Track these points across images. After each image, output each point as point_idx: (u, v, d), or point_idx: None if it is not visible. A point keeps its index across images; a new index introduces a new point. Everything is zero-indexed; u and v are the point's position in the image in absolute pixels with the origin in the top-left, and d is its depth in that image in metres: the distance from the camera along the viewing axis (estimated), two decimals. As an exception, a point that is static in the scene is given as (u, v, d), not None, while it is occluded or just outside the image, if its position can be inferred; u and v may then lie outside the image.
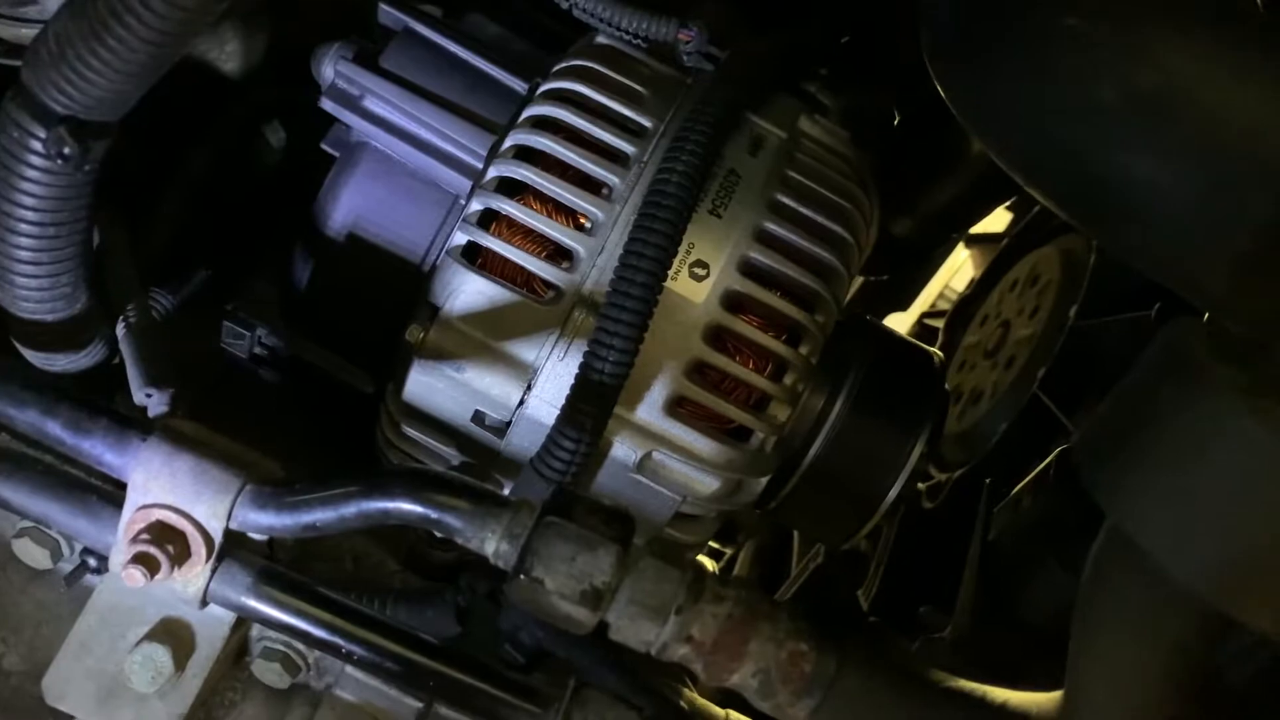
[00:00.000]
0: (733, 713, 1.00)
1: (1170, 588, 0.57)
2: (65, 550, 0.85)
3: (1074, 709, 0.68)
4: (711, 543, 1.89)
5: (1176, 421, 0.55)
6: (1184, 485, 0.55)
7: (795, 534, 1.66)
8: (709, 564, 1.86)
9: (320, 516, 0.75)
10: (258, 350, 1.04)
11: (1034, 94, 0.68)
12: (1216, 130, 0.60)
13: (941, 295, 2.15)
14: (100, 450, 0.76)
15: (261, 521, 0.76)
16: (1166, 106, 0.62)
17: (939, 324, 1.73)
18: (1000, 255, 1.60)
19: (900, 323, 1.94)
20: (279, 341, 1.03)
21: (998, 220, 1.78)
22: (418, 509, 0.74)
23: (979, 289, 1.63)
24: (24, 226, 0.75)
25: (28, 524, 0.83)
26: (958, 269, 2.10)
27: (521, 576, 0.73)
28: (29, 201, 0.74)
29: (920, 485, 1.38)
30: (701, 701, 1.00)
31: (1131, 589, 0.61)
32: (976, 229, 1.67)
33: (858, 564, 1.43)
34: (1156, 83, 0.62)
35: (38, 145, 0.71)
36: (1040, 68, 0.67)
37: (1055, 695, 0.71)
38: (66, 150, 0.70)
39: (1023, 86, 0.68)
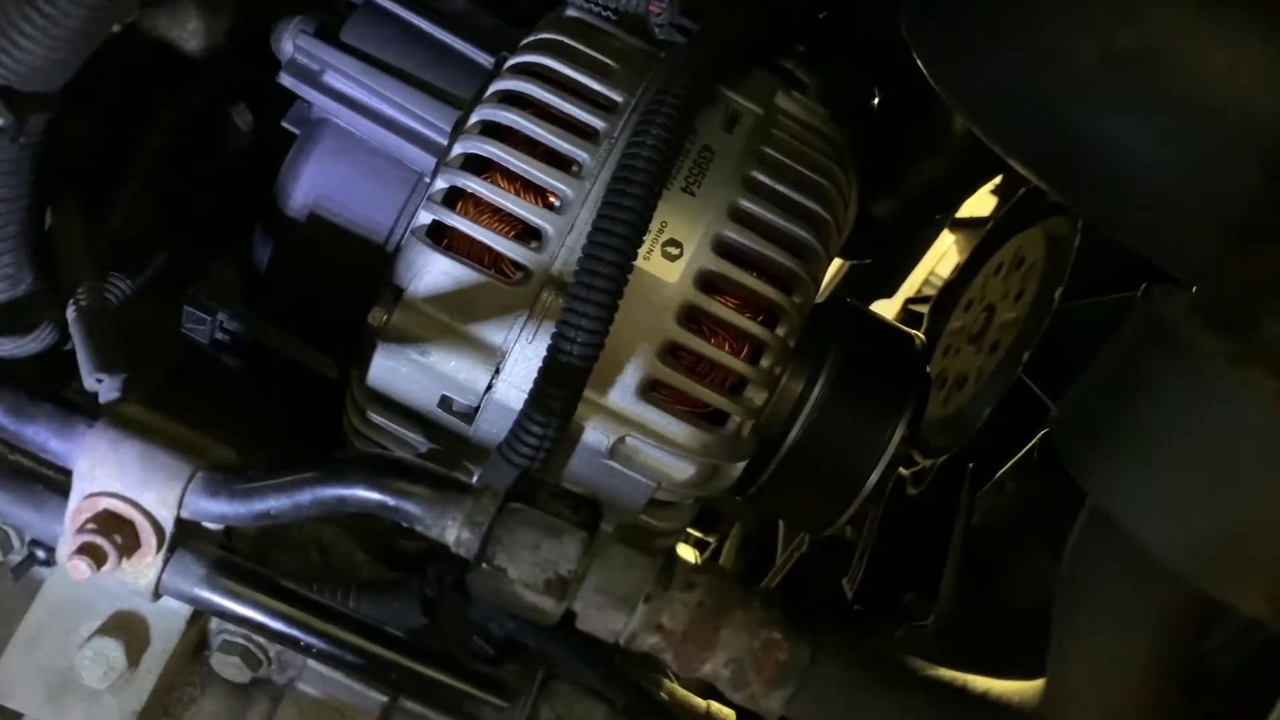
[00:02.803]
0: (714, 704, 0.97)
1: (1155, 570, 0.54)
2: (14, 541, 0.82)
3: (1056, 696, 0.66)
4: (695, 531, 1.87)
5: (1160, 395, 0.52)
6: (1168, 462, 0.52)
7: (780, 523, 1.64)
8: (691, 554, 1.84)
9: (274, 504, 0.72)
10: (219, 335, 1.01)
11: (1011, 55, 0.65)
12: (1202, 92, 0.58)
13: (927, 281, 2.14)
14: (44, 437, 0.73)
15: (213, 509, 0.73)
16: (1149, 67, 0.59)
17: (924, 310, 1.71)
18: (985, 239, 1.58)
19: (886, 309, 1.92)
20: (240, 326, 1.00)
21: (983, 204, 1.76)
22: (374, 496, 0.71)
23: (963, 273, 1.61)
24: (-40, 202, 0.72)
25: (-26, 515, 0.81)
26: (943, 254, 2.09)
27: (484, 565, 0.70)
28: (-36, 176, 0.71)
29: (905, 471, 1.36)
30: (682, 692, 0.98)
31: (1114, 572, 0.59)
32: (962, 213, 1.66)
33: (843, 552, 1.42)
34: (1138, 42, 0.59)
35: (-30, 117, 0.68)
36: (1017, 27, 0.64)
37: (1038, 683, 0.69)
38: (1, 121, 0.67)
39: (999, 48, 0.66)
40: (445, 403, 0.92)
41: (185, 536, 0.77)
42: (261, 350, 1.04)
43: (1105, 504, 0.54)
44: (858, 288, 1.77)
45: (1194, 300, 0.53)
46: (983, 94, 0.71)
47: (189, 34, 1.16)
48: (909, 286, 2.03)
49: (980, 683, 0.70)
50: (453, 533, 0.71)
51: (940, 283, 1.88)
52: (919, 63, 0.76)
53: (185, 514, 0.74)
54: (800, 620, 0.71)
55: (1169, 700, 0.60)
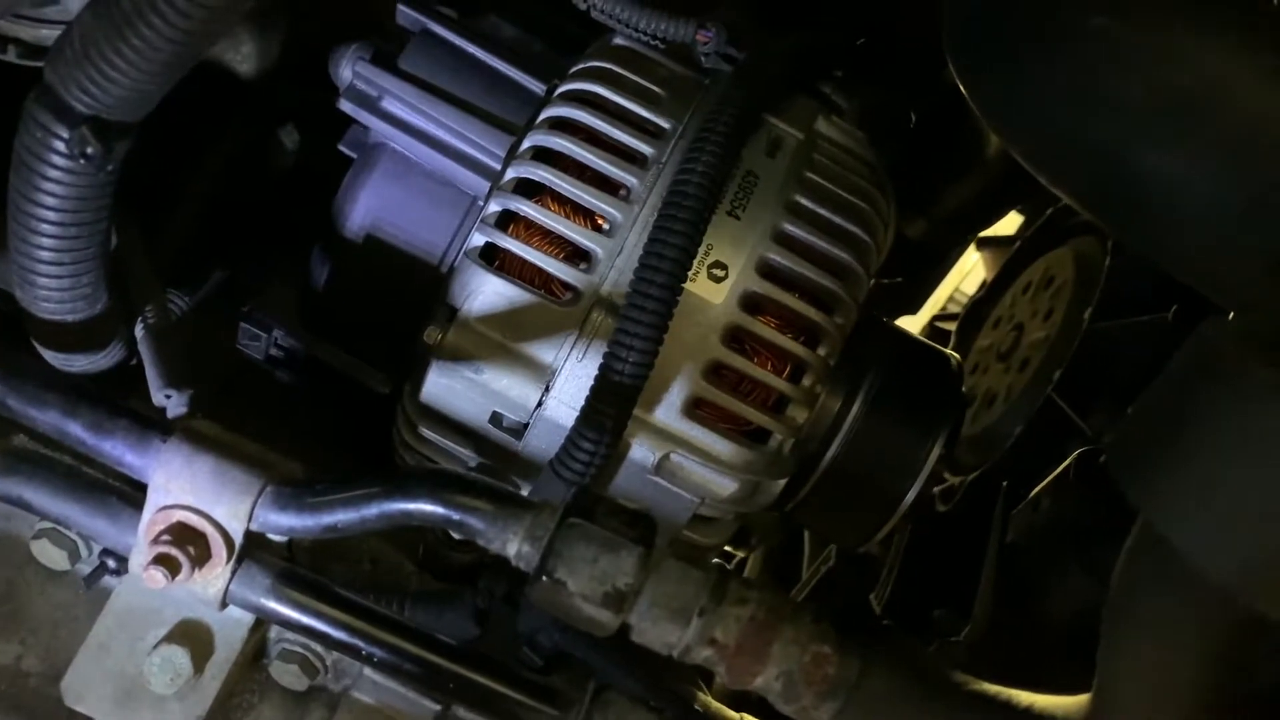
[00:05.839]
0: (747, 716, 0.99)
1: (1205, 588, 0.56)
2: (83, 551, 0.85)
3: (1102, 712, 0.68)
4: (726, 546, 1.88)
5: (1213, 421, 0.54)
6: (1221, 484, 0.55)
7: (806, 537, 1.66)
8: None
9: (341, 517, 0.74)
10: (274, 351, 1.04)
11: (1061, 93, 0.67)
12: (1249, 130, 0.60)
13: (952, 299, 2.15)
14: (121, 451, 0.76)
15: (282, 522, 0.76)
16: (1197, 106, 0.61)
17: (950, 327, 1.73)
18: (1013, 257, 1.60)
19: (911, 326, 1.93)
20: (295, 343, 1.03)
21: (1009, 223, 1.77)
22: (439, 510, 0.74)
23: (991, 291, 1.62)
24: (46, 227, 0.75)
25: (46, 525, 0.83)
26: (968, 272, 2.10)
27: (544, 578, 0.72)
28: (51, 202, 0.74)
29: (934, 488, 1.37)
30: (716, 705, 1.00)
31: (1165, 590, 0.61)
32: (987, 231, 1.67)
33: (869, 567, 1.43)
34: (1187, 82, 0.61)
35: (60, 145, 0.71)
36: (1068, 67, 0.66)
37: (1082, 699, 0.71)
38: (89, 150, 0.70)
39: (1050, 86, 0.68)
40: (496, 419, 0.94)
41: (252, 548, 0.79)
42: (312, 367, 1.07)
43: (1158, 523, 0.56)
44: (882, 305, 1.79)
45: (1244, 330, 0.56)
46: (1029, 128, 0.73)
47: (242, 57, 1.19)
48: (933, 303, 2.04)
49: (1024, 697, 0.72)
50: (514, 546, 0.74)
51: (965, 300, 1.90)
52: (964, 92, 0.78)
53: (254, 526, 0.77)
54: (850, 635, 0.73)
55: (1217, 717, 0.62)
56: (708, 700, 1.00)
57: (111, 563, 0.82)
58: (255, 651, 0.86)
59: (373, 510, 0.74)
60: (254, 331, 1.02)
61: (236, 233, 1.18)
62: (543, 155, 0.95)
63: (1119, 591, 0.65)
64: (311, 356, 1.04)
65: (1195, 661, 0.61)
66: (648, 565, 0.73)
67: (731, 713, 0.99)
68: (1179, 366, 0.58)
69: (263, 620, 0.84)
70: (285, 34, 1.19)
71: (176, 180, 1.13)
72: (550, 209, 0.93)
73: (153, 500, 0.76)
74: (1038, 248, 1.54)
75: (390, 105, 0.97)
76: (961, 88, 0.77)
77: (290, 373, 1.07)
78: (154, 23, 0.64)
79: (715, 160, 0.88)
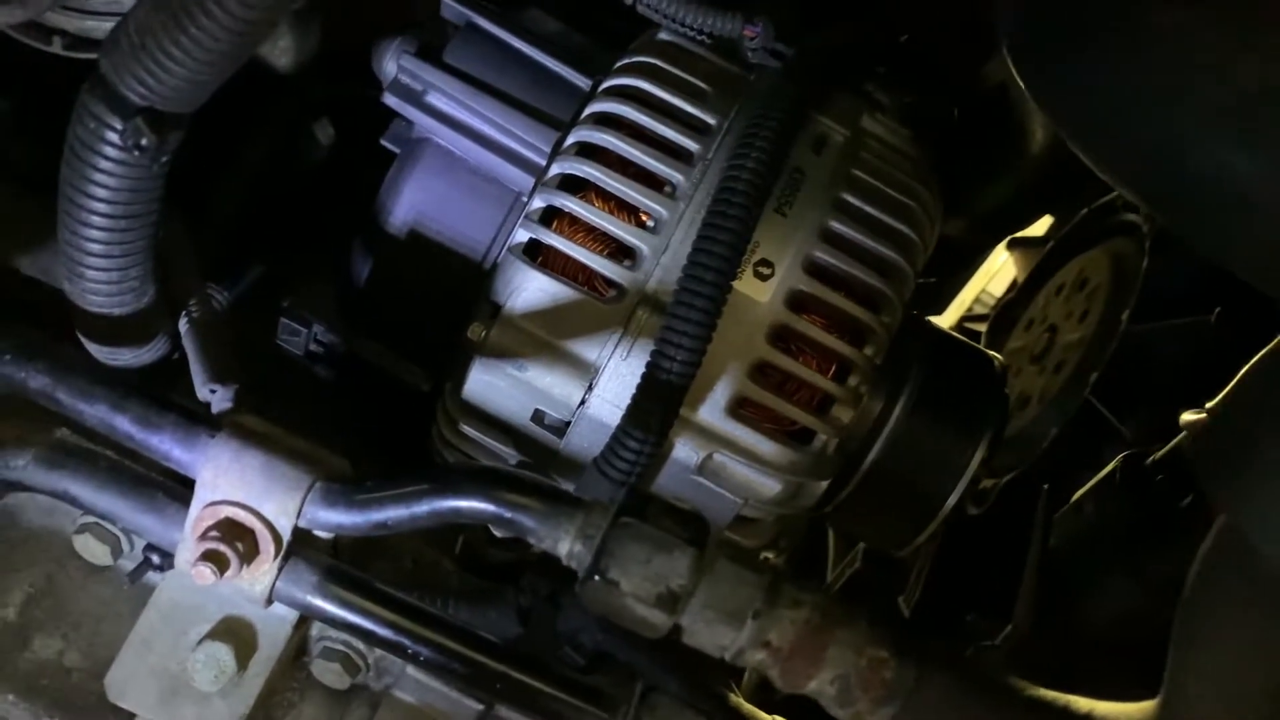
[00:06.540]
0: (777, 718, 0.98)
1: (1289, 593, 0.56)
2: (125, 546, 0.84)
3: (1175, 716, 0.66)
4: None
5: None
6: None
7: (830, 540, 1.65)
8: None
9: (392, 514, 0.74)
10: (313, 347, 1.03)
11: (1126, 90, 0.66)
12: None
13: (978, 300, 2.14)
14: (169, 446, 0.75)
15: (331, 519, 0.75)
16: (1268, 104, 0.60)
17: (979, 328, 1.71)
18: (1045, 259, 1.58)
19: (937, 327, 1.91)
20: (335, 338, 1.02)
21: (1039, 224, 1.76)
22: (490, 508, 0.73)
23: (1023, 293, 1.61)
24: (96, 219, 0.74)
25: (89, 519, 0.83)
26: (995, 273, 2.08)
27: (596, 578, 0.72)
28: (102, 194, 0.73)
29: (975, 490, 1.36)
30: (748, 708, 0.99)
31: (1245, 594, 0.59)
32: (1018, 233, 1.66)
33: (894, 571, 1.42)
34: (1259, 80, 0.60)
35: (114, 136, 0.70)
36: (1135, 63, 0.65)
37: (1144, 705, 0.69)
38: (144, 141, 0.69)
39: (1116, 82, 0.67)
40: (538, 417, 0.93)
41: (299, 545, 0.79)
42: (352, 362, 1.06)
43: (1245, 527, 0.55)
44: (910, 305, 1.77)
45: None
46: (1093, 126, 0.72)
47: (280, 51, 1.18)
48: (959, 304, 2.03)
49: (1083, 703, 0.71)
50: (565, 545, 0.73)
51: (991, 301, 1.88)
52: (1024, 88, 0.77)
53: (303, 523, 0.76)
54: (906, 639, 0.72)
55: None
56: (739, 702, 0.99)
57: (155, 558, 0.82)
58: (297, 649, 0.85)
59: (424, 507, 0.73)
60: (294, 327, 1.02)
61: (272, 227, 1.17)
62: (587, 151, 0.94)
63: (1195, 595, 0.63)
64: (351, 353, 1.04)
65: (1276, 668, 0.60)
66: (701, 566, 0.72)
67: (764, 715, 0.98)
68: (1264, 366, 0.57)
69: (305, 618, 0.83)
70: (322, 28, 1.19)
71: (214, 174, 1.13)
72: (595, 205, 0.92)
73: (200, 496, 0.75)
74: (1071, 249, 1.52)
75: (435, 99, 0.96)
76: (1020, 82, 0.76)
77: (330, 369, 1.06)
78: (213, 12, 0.63)
79: (766, 156, 0.87)
